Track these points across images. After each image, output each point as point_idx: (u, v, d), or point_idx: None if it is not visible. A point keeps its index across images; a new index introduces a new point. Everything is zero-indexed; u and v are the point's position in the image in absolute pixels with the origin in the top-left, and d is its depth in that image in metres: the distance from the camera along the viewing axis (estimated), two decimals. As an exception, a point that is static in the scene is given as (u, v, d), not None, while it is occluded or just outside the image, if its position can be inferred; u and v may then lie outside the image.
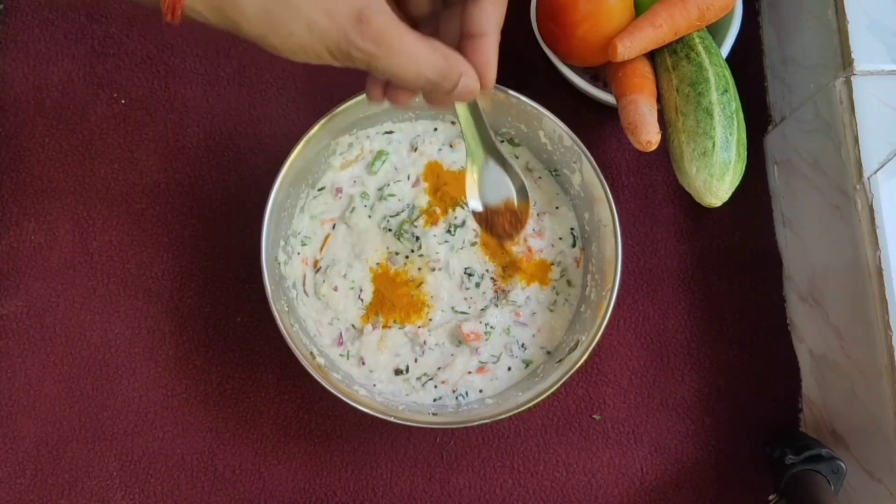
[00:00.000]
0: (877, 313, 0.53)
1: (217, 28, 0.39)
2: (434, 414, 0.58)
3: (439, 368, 0.61)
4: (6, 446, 0.62)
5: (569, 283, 0.62)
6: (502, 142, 0.64)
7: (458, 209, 0.62)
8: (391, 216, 0.62)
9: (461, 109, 0.48)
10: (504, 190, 0.52)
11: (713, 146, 0.56)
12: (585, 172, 0.59)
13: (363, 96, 0.58)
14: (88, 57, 0.68)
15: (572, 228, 0.63)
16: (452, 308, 0.62)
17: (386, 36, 0.39)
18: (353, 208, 0.62)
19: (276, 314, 0.56)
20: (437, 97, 0.43)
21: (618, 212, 0.58)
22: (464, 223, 0.62)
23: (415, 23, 0.44)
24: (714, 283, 0.66)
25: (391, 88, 0.45)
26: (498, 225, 0.53)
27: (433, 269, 0.62)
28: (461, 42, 0.43)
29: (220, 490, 0.62)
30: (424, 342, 0.61)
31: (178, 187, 0.66)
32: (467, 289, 0.62)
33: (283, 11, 0.38)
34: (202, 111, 0.68)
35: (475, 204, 0.52)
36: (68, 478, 0.62)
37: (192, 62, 0.69)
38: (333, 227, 0.62)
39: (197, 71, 0.68)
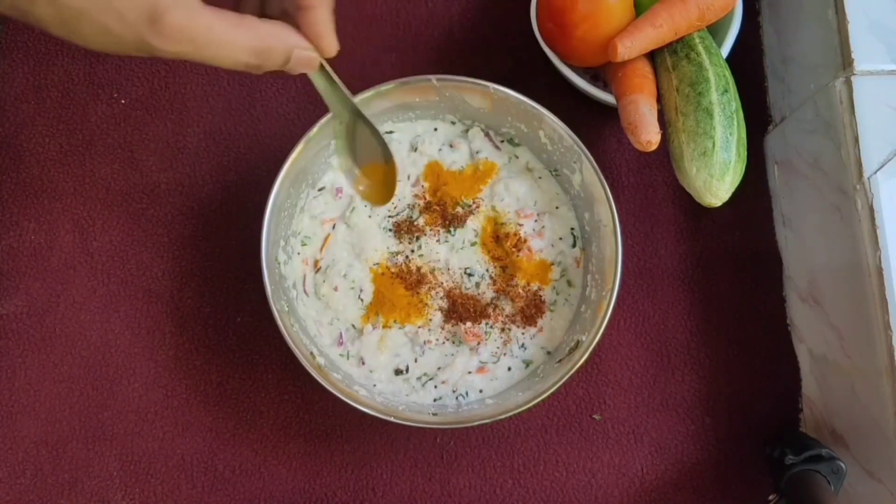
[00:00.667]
0: (877, 313, 0.53)
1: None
2: (434, 414, 0.58)
3: (439, 368, 0.60)
4: (6, 446, 0.62)
5: (569, 283, 0.62)
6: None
7: (459, 209, 0.62)
8: (391, 216, 0.62)
9: (314, 77, 0.48)
10: (372, 151, 0.53)
11: (713, 146, 0.56)
12: (585, 172, 0.59)
13: (364, 96, 0.58)
14: (88, 57, 0.68)
15: (572, 228, 0.63)
16: (452, 308, 0.62)
17: (187, 31, 0.37)
18: (353, 208, 0.62)
19: (276, 314, 0.56)
20: (269, 72, 0.43)
21: (618, 212, 0.58)
22: (464, 223, 0.62)
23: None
24: (714, 283, 0.66)
25: None
26: (368, 184, 0.54)
27: (433, 269, 0.62)
28: (296, 14, 0.43)
29: (220, 490, 0.62)
30: (424, 342, 0.61)
31: (178, 187, 0.66)
32: (467, 289, 0.62)
33: (75, 19, 0.37)
34: (202, 111, 0.68)
35: (349, 165, 0.53)
36: (68, 478, 0.62)
37: (192, 62, 0.68)
38: (333, 227, 0.62)
39: (197, 71, 0.68)
